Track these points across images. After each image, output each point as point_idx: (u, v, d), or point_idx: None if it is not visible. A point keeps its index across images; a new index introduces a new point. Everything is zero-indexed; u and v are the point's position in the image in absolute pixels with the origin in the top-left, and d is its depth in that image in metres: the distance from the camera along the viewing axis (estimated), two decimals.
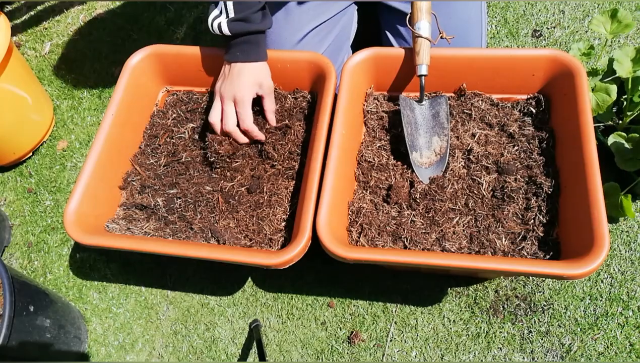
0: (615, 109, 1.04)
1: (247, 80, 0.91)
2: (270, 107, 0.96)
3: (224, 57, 0.92)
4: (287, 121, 0.97)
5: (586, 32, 1.28)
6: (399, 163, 0.90)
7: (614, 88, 0.94)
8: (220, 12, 0.87)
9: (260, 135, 0.94)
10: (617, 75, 0.95)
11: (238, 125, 0.93)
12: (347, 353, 1.02)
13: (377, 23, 1.10)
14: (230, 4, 0.86)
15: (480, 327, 1.00)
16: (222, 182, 0.94)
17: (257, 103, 0.96)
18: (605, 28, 0.96)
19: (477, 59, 0.90)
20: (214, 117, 0.93)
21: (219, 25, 0.87)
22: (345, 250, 0.75)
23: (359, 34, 1.12)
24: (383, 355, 1.01)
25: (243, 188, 0.93)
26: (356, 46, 1.03)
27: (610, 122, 1.04)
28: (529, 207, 0.82)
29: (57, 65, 1.53)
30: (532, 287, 1.02)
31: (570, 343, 0.96)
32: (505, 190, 0.83)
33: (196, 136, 1.01)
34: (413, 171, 0.88)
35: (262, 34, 0.91)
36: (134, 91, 1.01)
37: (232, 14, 0.86)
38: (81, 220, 0.87)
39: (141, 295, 1.15)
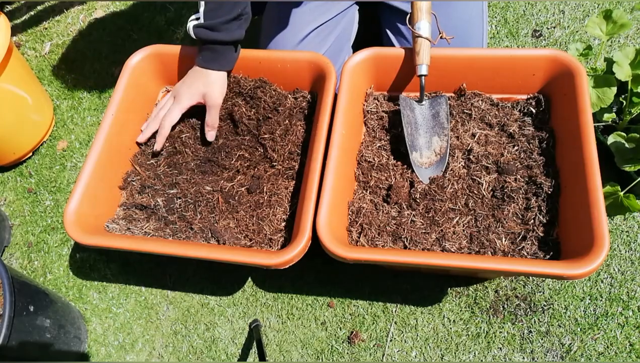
0: (615, 108, 1.04)
1: (194, 86, 0.92)
2: (210, 121, 0.95)
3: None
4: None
5: (586, 32, 1.28)
6: (399, 163, 0.90)
7: (614, 80, 0.94)
8: (198, 18, 0.88)
9: (160, 139, 0.96)
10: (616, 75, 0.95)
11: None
12: (347, 353, 1.02)
13: (377, 23, 1.10)
14: (201, 10, 0.86)
15: (480, 327, 1.00)
16: (222, 182, 0.94)
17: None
18: (601, 29, 0.96)
19: (477, 59, 0.90)
20: (157, 106, 0.98)
21: (188, 29, 0.88)
22: (345, 250, 0.75)
23: (360, 34, 1.12)
24: (383, 355, 1.01)
25: (243, 189, 0.93)
26: (357, 46, 1.03)
27: (610, 122, 1.04)
28: (529, 207, 0.82)
29: (57, 65, 1.53)
30: (532, 287, 1.02)
31: (570, 343, 0.96)
32: (505, 190, 0.83)
33: (197, 135, 1.01)
34: (413, 171, 0.88)
35: (226, 45, 0.90)
36: (134, 91, 1.01)
37: (202, 20, 0.86)
38: (81, 220, 0.87)
39: (141, 295, 1.15)
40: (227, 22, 0.86)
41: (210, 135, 0.97)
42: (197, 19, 0.88)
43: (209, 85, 0.92)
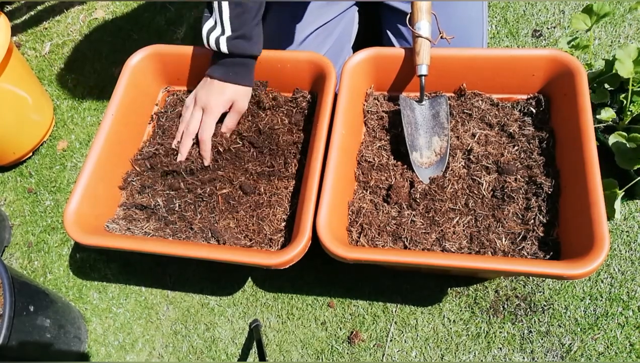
0: (615, 108, 1.04)
1: (226, 96, 0.90)
2: (228, 123, 0.95)
3: (209, 71, 0.90)
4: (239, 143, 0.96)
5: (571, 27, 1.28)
6: (399, 163, 0.90)
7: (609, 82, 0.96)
8: (215, 24, 0.83)
9: (206, 154, 0.93)
10: (614, 72, 0.96)
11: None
12: (347, 353, 1.02)
13: (378, 23, 1.10)
14: (226, 16, 0.81)
15: (480, 327, 1.00)
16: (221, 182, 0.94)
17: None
18: (586, 23, 0.99)
19: (477, 59, 0.90)
20: (183, 120, 0.96)
21: (217, 41, 0.84)
22: (345, 250, 0.75)
23: (360, 34, 1.12)
24: (383, 355, 1.01)
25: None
26: (357, 46, 1.03)
27: (610, 122, 1.04)
28: (529, 207, 0.82)
29: (57, 65, 1.53)
30: (532, 287, 1.02)
31: (570, 343, 0.96)
32: (505, 190, 0.83)
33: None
34: (413, 171, 0.88)
35: (255, 59, 0.91)
36: (134, 91, 1.01)
37: (229, 31, 0.82)
38: (81, 220, 0.87)
39: (141, 295, 1.15)
40: (254, 27, 0.83)
41: (228, 135, 0.96)
42: (214, 27, 0.83)
43: (239, 95, 0.91)
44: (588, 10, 0.98)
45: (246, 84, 0.91)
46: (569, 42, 1.02)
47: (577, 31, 1.25)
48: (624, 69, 0.93)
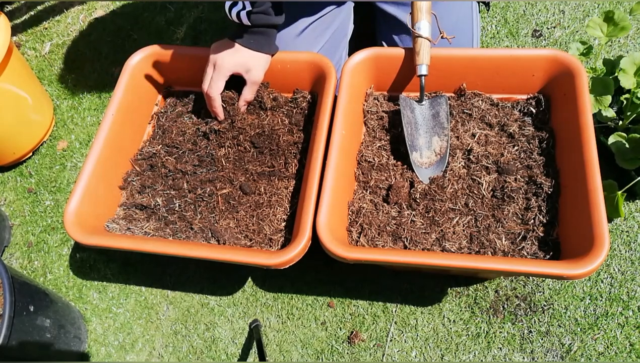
0: (615, 109, 1.04)
1: (238, 56, 0.91)
2: (246, 95, 0.96)
3: (230, 35, 0.91)
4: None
5: (586, 32, 1.28)
6: (399, 163, 0.90)
7: (611, 84, 0.94)
8: (237, 0, 0.88)
9: (217, 110, 0.95)
10: (615, 74, 0.95)
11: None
12: (347, 353, 1.02)
13: (372, 26, 1.10)
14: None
15: (480, 327, 1.00)
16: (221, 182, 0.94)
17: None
18: (602, 31, 0.96)
19: (477, 59, 0.90)
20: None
21: (238, 15, 0.87)
22: (345, 250, 0.75)
23: (359, 34, 1.12)
24: (383, 355, 1.01)
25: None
26: (355, 45, 1.03)
27: (610, 123, 1.04)
28: (529, 207, 0.82)
29: (57, 65, 1.53)
30: (532, 287, 1.02)
31: (570, 343, 0.96)
32: (505, 190, 0.83)
33: (196, 136, 1.01)
34: (413, 171, 0.88)
35: (275, 29, 0.92)
36: (134, 91, 1.01)
37: (249, 7, 0.87)
38: (81, 220, 0.87)
39: (141, 295, 1.15)
40: (272, 6, 0.87)
41: (243, 109, 0.98)
42: (235, 3, 0.87)
43: (254, 61, 0.92)
44: (609, 18, 0.94)
45: (265, 51, 0.92)
46: (581, 52, 1.00)
47: (577, 31, 1.25)
48: (628, 80, 0.92)
